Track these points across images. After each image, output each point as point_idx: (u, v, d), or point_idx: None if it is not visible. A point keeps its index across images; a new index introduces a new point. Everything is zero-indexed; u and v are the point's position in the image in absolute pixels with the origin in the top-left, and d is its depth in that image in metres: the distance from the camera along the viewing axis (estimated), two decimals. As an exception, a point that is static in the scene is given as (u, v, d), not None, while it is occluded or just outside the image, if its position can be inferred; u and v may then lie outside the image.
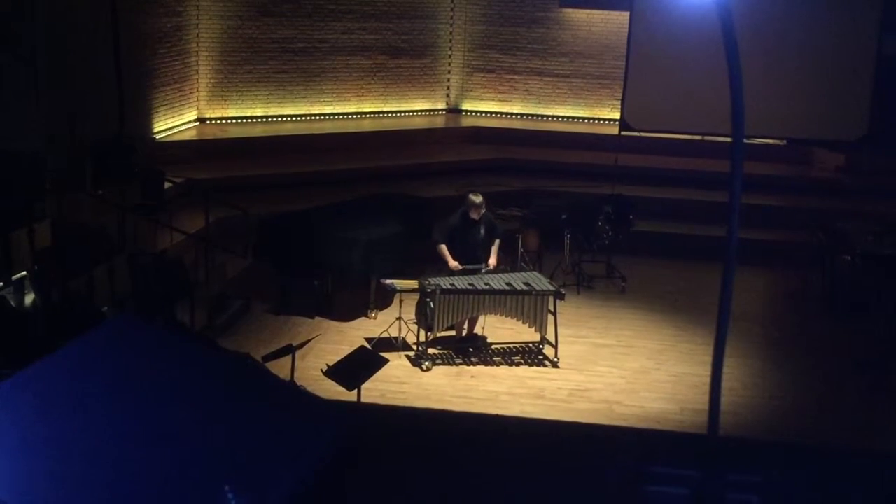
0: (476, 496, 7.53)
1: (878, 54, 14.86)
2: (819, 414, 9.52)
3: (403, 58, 17.36)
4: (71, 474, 5.19)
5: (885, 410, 9.65)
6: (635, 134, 15.18)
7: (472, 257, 10.59)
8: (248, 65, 16.22)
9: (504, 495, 7.57)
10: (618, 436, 8.86)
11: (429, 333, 10.15)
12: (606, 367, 10.32)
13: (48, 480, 5.12)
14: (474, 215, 10.55)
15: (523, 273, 10.80)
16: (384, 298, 11.29)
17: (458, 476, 7.71)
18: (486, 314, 10.48)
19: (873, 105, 14.90)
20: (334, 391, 8.10)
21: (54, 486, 5.10)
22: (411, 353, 10.36)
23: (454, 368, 10.19)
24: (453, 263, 10.52)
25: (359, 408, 7.89)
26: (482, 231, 10.64)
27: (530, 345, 10.60)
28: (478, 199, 10.52)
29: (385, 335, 10.58)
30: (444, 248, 10.59)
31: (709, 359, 10.59)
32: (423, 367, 10.09)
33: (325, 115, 16.90)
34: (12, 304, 8.93)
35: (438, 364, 10.22)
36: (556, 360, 10.31)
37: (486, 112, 17.87)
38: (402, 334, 10.57)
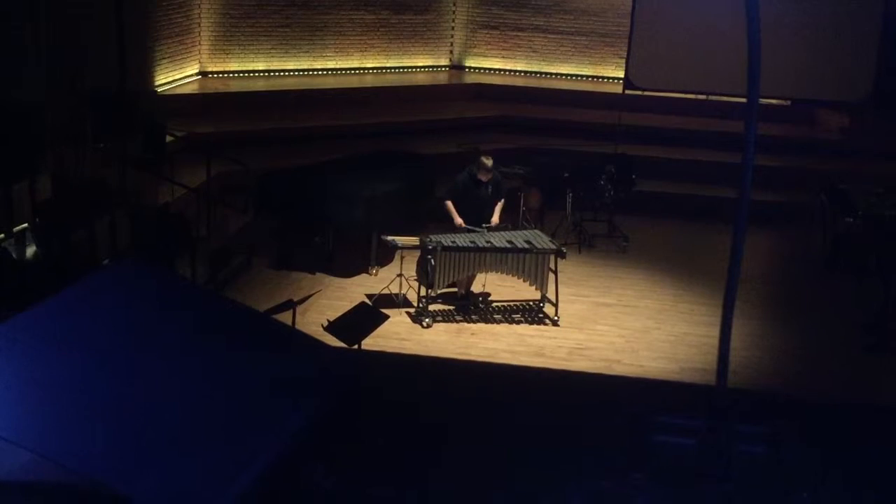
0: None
1: (885, 13, 14.69)
2: (819, 372, 9.56)
3: (407, 13, 17.22)
4: (70, 413, 5.21)
5: (886, 368, 9.69)
6: (639, 92, 15.07)
7: (478, 217, 10.55)
8: (250, 18, 16.09)
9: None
10: (625, 386, 8.92)
11: (430, 290, 10.16)
12: (606, 326, 10.34)
13: (47, 418, 5.14)
14: (483, 177, 10.51)
15: (525, 231, 10.80)
16: (385, 255, 11.29)
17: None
18: (487, 272, 10.47)
19: (879, 65, 14.76)
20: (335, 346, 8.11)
21: (53, 423, 5.12)
22: (412, 310, 10.38)
23: (455, 325, 10.20)
24: (459, 220, 10.51)
25: (361, 354, 7.93)
26: (489, 191, 10.62)
27: (531, 303, 10.61)
28: (489, 161, 10.50)
29: (386, 291, 10.59)
30: (450, 204, 10.58)
31: (709, 319, 10.55)
32: (424, 323, 10.11)
33: (327, 70, 16.80)
34: (13, 255, 8.94)
35: (439, 321, 10.23)
36: (556, 318, 10.32)
37: (490, 69, 17.76)
38: (403, 291, 10.58)
